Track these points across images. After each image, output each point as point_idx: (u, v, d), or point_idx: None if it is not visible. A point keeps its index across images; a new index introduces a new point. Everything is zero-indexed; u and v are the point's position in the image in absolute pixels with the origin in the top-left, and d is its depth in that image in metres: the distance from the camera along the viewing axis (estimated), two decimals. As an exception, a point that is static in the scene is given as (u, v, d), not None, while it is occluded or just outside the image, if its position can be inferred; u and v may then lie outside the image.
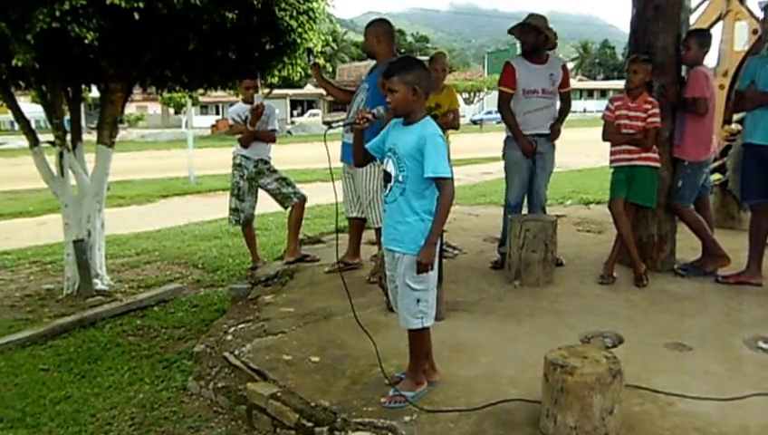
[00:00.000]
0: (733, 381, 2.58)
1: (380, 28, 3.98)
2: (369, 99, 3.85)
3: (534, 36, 4.01)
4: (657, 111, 3.77)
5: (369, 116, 2.43)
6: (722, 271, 3.91)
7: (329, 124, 2.78)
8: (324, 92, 4.53)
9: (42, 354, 3.61)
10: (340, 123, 2.79)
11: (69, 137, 4.86)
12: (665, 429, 2.24)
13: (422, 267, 2.33)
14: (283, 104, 39.95)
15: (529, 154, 4.09)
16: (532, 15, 4.14)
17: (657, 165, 3.87)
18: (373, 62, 4.13)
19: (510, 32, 4.20)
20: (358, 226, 4.32)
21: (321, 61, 4.80)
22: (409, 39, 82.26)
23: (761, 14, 5.39)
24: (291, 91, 36.84)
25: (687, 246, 4.20)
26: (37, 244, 6.86)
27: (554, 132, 4.17)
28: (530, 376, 2.55)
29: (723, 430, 2.22)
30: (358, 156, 2.62)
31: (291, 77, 5.27)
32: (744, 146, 3.83)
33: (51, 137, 4.83)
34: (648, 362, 2.76)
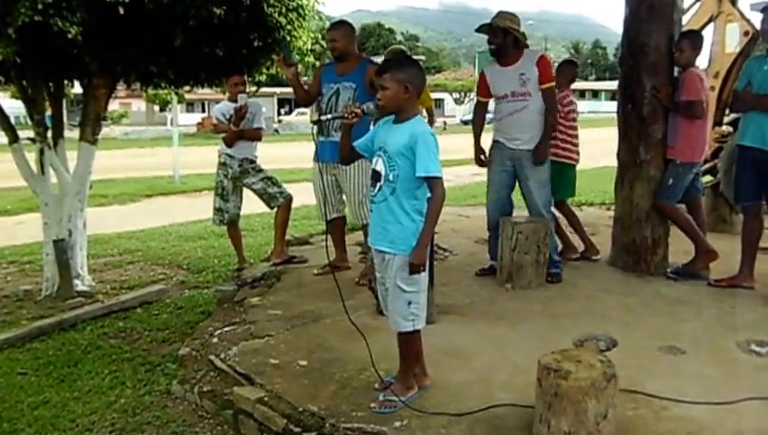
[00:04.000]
0: (726, 384, 2.57)
1: (351, 29, 4.04)
2: (357, 97, 3.83)
3: (502, 37, 3.81)
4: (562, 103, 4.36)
5: (359, 111, 2.39)
6: (714, 275, 3.91)
7: (316, 122, 2.73)
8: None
9: (19, 358, 3.51)
10: (329, 117, 2.76)
11: (50, 133, 4.74)
12: (658, 433, 2.22)
13: (414, 269, 2.28)
14: (270, 103, 39.74)
15: (476, 163, 4.15)
16: (499, 14, 3.88)
17: (563, 160, 4.36)
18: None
19: (478, 30, 3.97)
20: (340, 226, 4.28)
21: (310, 58, 4.74)
22: (399, 38, 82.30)
23: (752, 16, 5.44)
24: (278, 90, 36.57)
25: (680, 249, 4.19)
26: (14, 243, 6.71)
27: (537, 153, 3.83)
28: (522, 380, 2.51)
29: (717, 435, 2.20)
30: (345, 153, 2.56)
31: (279, 75, 5.19)
32: (737, 147, 3.83)
33: (31, 133, 4.71)
34: (642, 365, 2.74)
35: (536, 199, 3.92)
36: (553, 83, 3.90)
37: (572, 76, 4.66)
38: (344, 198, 4.14)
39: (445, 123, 33.04)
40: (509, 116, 3.90)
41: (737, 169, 3.85)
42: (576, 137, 4.50)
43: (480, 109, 4.16)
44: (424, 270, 2.32)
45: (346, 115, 2.40)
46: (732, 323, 3.28)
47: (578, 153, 4.53)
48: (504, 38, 3.81)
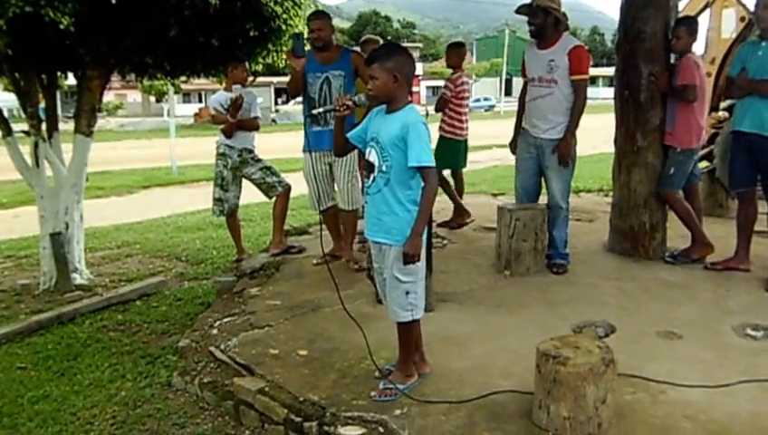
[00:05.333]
0: (722, 368, 2.59)
1: (330, 18, 4.06)
2: (347, 85, 3.91)
3: (543, 18, 3.72)
4: (450, 84, 4.99)
5: (350, 103, 2.37)
6: (710, 257, 3.94)
7: (311, 115, 2.73)
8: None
9: (18, 352, 3.50)
10: (320, 110, 2.77)
11: (44, 126, 4.71)
12: (656, 417, 2.24)
13: (409, 259, 2.28)
14: (267, 92, 39.44)
15: (510, 150, 4.19)
16: None
17: (449, 136, 5.05)
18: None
19: (518, 11, 3.89)
20: (334, 214, 4.27)
21: (307, 47, 4.71)
22: (396, 25, 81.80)
23: (747, 2, 5.41)
24: (275, 79, 36.26)
25: (677, 234, 4.21)
26: (11, 237, 6.69)
27: (559, 149, 3.73)
28: (522, 367, 2.52)
29: (712, 417, 2.23)
30: (338, 145, 2.55)
31: (275, 64, 5.17)
32: (732, 133, 3.83)
33: (25, 126, 4.68)
34: (639, 350, 2.76)
35: (554, 188, 3.86)
36: (585, 76, 3.77)
37: (463, 56, 5.29)
38: (336, 185, 4.14)
39: (426, 111, 32.82)
40: (533, 101, 3.86)
41: (731, 155, 3.86)
42: (464, 114, 5.07)
43: (525, 90, 4.05)
44: (418, 260, 2.31)
45: (337, 108, 2.39)
46: (727, 307, 3.31)
47: (464, 129, 5.09)
48: (545, 19, 3.71)
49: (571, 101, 3.76)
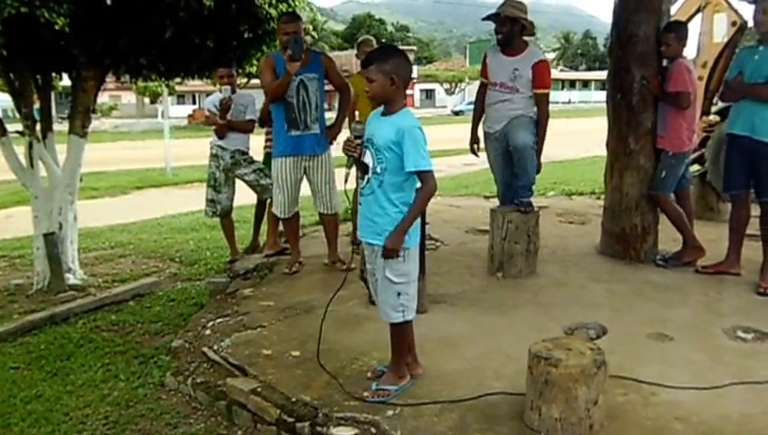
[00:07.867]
0: (713, 370, 2.62)
1: (301, 20, 4.03)
2: (320, 87, 3.94)
3: (510, 26, 3.81)
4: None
5: (358, 141, 2.39)
6: (701, 261, 3.97)
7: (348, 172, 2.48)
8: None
9: (11, 352, 3.50)
10: (350, 168, 2.52)
11: (39, 126, 4.70)
12: (647, 418, 2.26)
13: (388, 253, 2.29)
14: (260, 94, 39.36)
15: (470, 150, 4.22)
16: (507, 2, 3.83)
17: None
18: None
19: (485, 19, 3.96)
20: (298, 220, 4.24)
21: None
22: (390, 29, 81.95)
23: (739, 7, 5.47)
24: (270, 81, 36.26)
25: (668, 236, 4.24)
26: (5, 237, 6.68)
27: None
28: (514, 369, 2.53)
29: (703, 419, 2.25)
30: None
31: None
32: (727, 136, 3.86)
33: (20, 126, 4.67)
34: (631, 352, 2.78)
35: (517, 136, 3.74)
36: (547, 90, 3.86)
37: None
38: (312, 189, 4.09)
39: None
40: (493, 105, 3.94)
41: (726, 157, 3.88)
42: None
43: (482, 92, 4.10)
44: (397, 256, 2.32)
45: (349, 151, 2.39)
46: (719, 309, 3.33)
47: None
48: (512, 27, 3.81)
49: (525, 108, 3.84)
